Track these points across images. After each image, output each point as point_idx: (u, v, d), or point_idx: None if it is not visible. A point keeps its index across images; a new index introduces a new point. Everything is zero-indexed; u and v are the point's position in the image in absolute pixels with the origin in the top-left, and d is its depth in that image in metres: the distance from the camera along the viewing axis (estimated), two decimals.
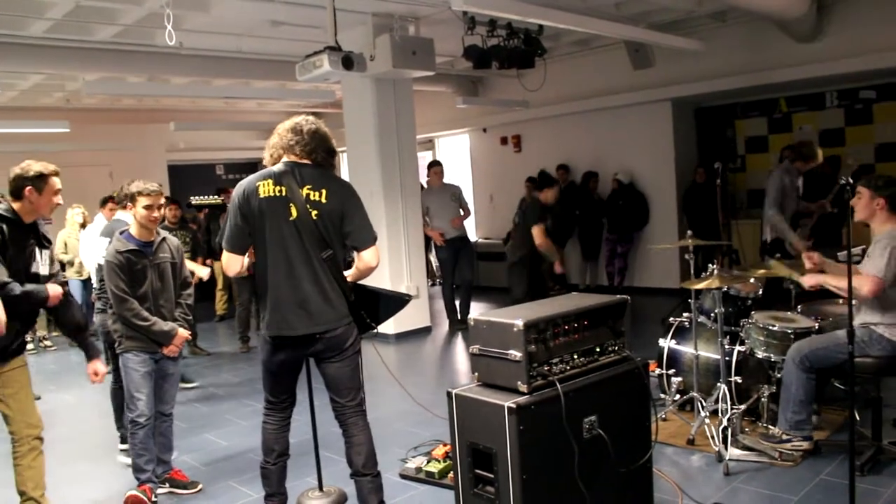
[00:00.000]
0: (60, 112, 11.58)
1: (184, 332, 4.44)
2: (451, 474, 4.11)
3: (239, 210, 3.48)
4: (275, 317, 3.49)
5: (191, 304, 4.61)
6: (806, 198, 6.93)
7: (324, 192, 3.47)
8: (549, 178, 7.75)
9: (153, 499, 4.28)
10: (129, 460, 4.56)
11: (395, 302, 4.03)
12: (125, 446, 5.11)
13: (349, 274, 3.64)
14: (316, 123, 3.58)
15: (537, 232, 6.88)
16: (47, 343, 9.68)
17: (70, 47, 8.08)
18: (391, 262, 8.59)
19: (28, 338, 9.02)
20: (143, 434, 4.28)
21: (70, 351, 9.06)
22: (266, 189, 3.45)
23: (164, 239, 4.42)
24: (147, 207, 4.22)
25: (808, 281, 4.35)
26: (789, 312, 5.13)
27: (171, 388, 4.52)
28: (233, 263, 3.56)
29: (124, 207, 5.06)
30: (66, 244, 9.04)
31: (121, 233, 4.34)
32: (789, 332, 4.67)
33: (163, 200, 4.37)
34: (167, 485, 4.52)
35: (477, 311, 9.37)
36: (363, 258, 3.57)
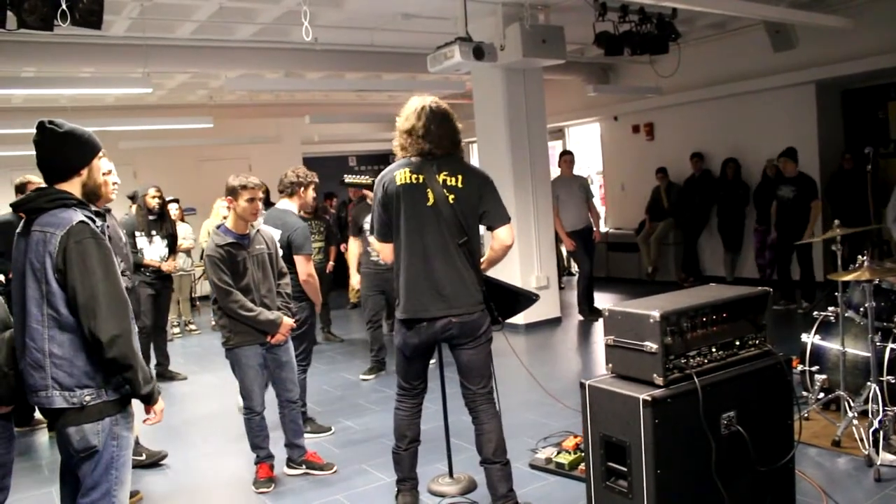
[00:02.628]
0: (204, 108, 12.21)
1: (289, 321, 4.52)
2: (581, 466, 4.08)
3: (380, 201, 3.62)
4: (410, 300, 3.57)
5: (290, 293, 4.68)
6: None
7: (460, 177, 3.54)
8: None
9: (272, 475, 4.54)
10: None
11: (523, 299, 4.02)
12: None
13: (485, 256, 3.68)
14: (438, 114, 3.60)
15: None
16: (192, 327, 10.24)
17: (213, 47, 8.51)
18: (521, 252, 8.58)
19: (175, 321, 9.64)
20: (257, 421, 4.47)
21: (214, 335, 9.54)
22: (403, 177, 3.55)
23: (258, 231, 4.50)
24: (250, 200, 4.30)
25: None
26: None
27: (290, 374, 4.62)
28: (386, 251, 3.71)
29: (290, 196, 5.23)
30: (209, 233, 9.53)
31: (217, 227, 4.45)
32: None
33: (262, 194, 4.43)
34: (304, 466, 4.69)
35: (610, 302, 9.23)
36: (498, 236, 3.61)
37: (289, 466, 4.72)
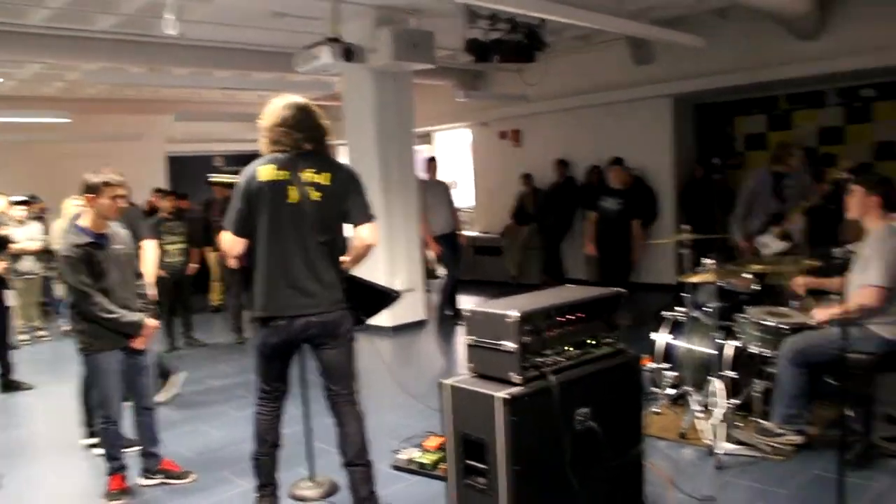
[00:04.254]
0: (61, 102, 11.58)
1: (152, 322, 4.37)
2: (443, 465, 4.13)
3: (242, 194, 3.53)
4: (268, 298, 3.51)
5: (147, 294, 4.52)
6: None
7: (327, 174, 3.52)
8: None
9: (126, 486, 4.35)
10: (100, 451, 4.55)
11: (386, 297, 4.04)
12: (91, 441, 5.16)
13: (348, 256, 3.66)
14: (307, 108, 3.58)
15: None
16: (42, 333, 9.66)
17: (70, 36, 8.06)
18: (387, 255, 8.59)
19: (22, 327, 9.07)
20: (114, 430, 4.29)
21: (64, 341, 9.05)
22: (268, 173, 3.48)
23: (115, 230, 4.31)
24: (114, 198, 4.13)
25: (819, 317, 4.32)
26: (784, 308, 5.14)
27: (147, 380, 4.47)
28: (235, 245, 3.61)
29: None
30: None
31: (72, 226, 4.20)
32: (783, 327, 4.67)
33: (125, 192, 4.25)
34: (161, 475, 4.53)
35: (475, 305, 9.39)
36: (360, 234, 3.60)
37: (144, 477, 4.53)
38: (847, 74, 8.91)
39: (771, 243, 6.16)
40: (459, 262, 9.41)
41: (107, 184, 4.11)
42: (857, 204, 4.18)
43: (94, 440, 5.15)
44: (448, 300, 9.23)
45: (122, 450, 4.39)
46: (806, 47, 8.83)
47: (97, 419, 4.37)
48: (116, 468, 4.35)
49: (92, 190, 4.11)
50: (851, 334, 4.01)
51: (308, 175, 3.49)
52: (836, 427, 4.07)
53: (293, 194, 3.47)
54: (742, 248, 6.54)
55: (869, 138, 9.39)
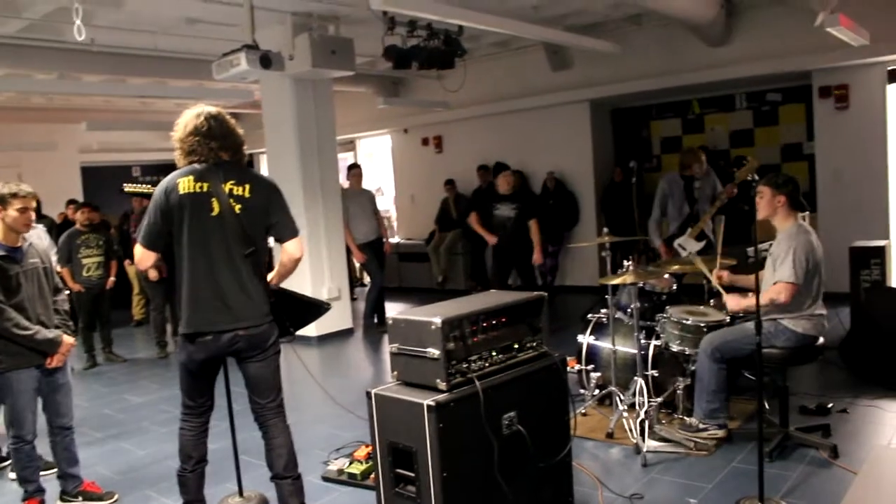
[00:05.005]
0: None
1: (69, 339, 4.22)
2: (372, 475, 4.10)
3: (159, 208, 3.43)
4: (194, 314, 3.42)
5: (66, 310, 4.38)
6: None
7: (247, 186, 3.45)
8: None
9: None
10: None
11: (314, 308, 4.00)
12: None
13: (275, 271, 3.62)
14: (220, 117, 3.51)
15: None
16: None
17: None
18: (312, 264, 8.51)
19: None
20: (27, 451, 4.11)
21: None
22: (187, 185, 3.40)
23: (30, 244, 4.16)
24: (21, 210, 3.97)
25: (731, 305, 4.43)
26: (702, 306, 5.30)
27: (66, 398, 4.30)
28: (146, 259, 3.54)
29: None
30: None
31: None
32: (702, 325, 4.81)
33: (34, 203, 4.11)
34: (80, 498, 4.35)
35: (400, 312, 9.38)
36: (287, 249, 3.56)
37: (62, 500, 4.34)
38: (754, 79, 9.26)
39: (687, 245, 6.34)
40: (383, 269, 9.38)
41: (14, 195, 3.95)
42: (766, 204, 4.33)
43: (4, 464, 4.97)
44: (374, 308, 9.19)
45: (39, 472, 4.22)
46: (716, 53, 9.15)
47: (8, 440, 4.18)
48: (32, 492, 4.17)
49: (2, 203, 3.96)
50: (766, 330, 4.17)
51: (229, 187, 3.42)
52: (755, 420, 4.20)
53: (216, 207, 3.39)
54: (660, 251, 6.71)
55: (776, 140, 9.76)
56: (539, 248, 7.95)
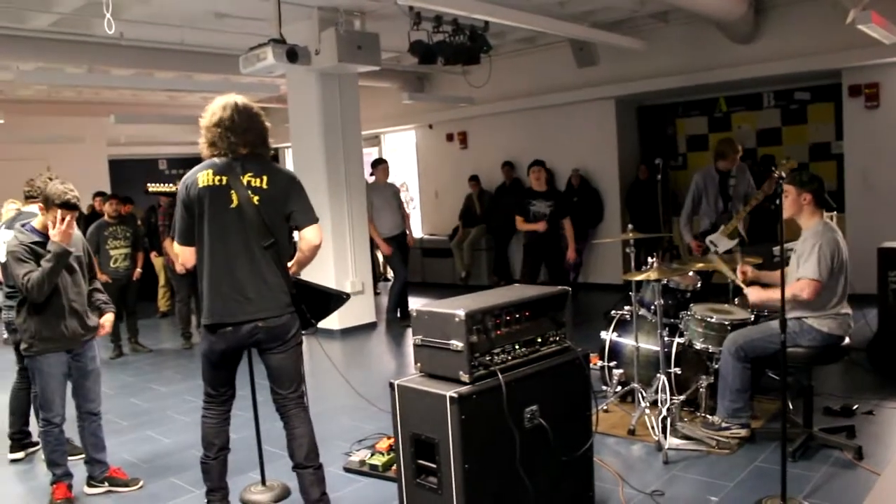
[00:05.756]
0: None
1: (110, 316, 4.41)
2: (394, 467, 4.13)
3: (182, 203, 3.49)
4: (214, 305, 3.47)
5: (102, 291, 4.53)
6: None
7: (265, 178, 3.48)
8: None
9: (71, 495, 4.25)
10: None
11: (334, 299, 4.01)
12: (17, 455, 5.05)
13: (294, 259, 3.65)
14: (245, 110, 3.53)
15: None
16: None
17: (3, 35, 7.84)
18: (336, 258, 8.55)
19: None
20: (56, 434, 4.19)
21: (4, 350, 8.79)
22: (206, 179, 3.44)
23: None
24: (53, 221, 3.99)
25: (752, 297, 4.41)
26: (727, 304, 5.26)
27: (94, 385, 4.39)
28: (188, 255, 3.59)
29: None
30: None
31: (23, 225, 4.17)
32: (726, 323, 4.79)
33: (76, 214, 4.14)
34: (106, 484, 4.43)
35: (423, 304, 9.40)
36: (305, 236, 3.58)
37: (89, 485, 4.42)
38: (782, 78, 9.17)
39: (720, 242, 6.28)
40: (407, 264, 9.41)
41: (57, 204, 3.98)
42: (791, 203, 4.30)
43: (19, 454, 5.06)
44: (397, 302, 9.22)
45: (67, 456, 4.29)
46: (743, 51, 9.06)
47: (39, 422, 4.26)
48: (60, 476, 4.24)
49: (46, 203, 4.03)
50: (791, 329, 4.14)
51: (247, 179, 3.46)
52: (778, 420, 4.17)
53: (234, 199, 3.43)
54: (692, 247, 6.64)
55: (804, 139, 9.66)
56: (573, 246, 8.06)
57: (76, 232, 4.31)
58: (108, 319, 4.42)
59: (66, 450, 4.30)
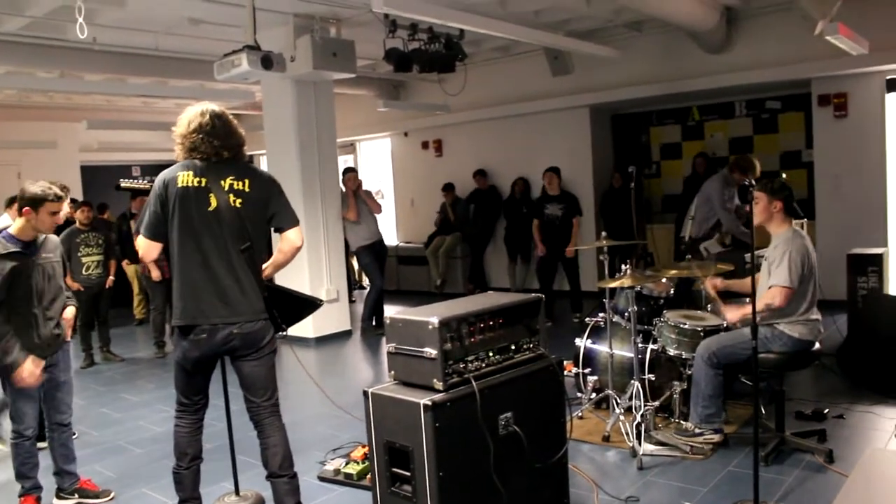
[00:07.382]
0: None
1: (72, 310, 4.35)
2: (369, 475, 4.11)
3: (158, 197, 3.46)
4: (188, 306, 3.43)
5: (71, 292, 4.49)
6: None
7: (247, 181, 3.48)
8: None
9: None
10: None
11: (307, 305, 3.99)
12: None
13: (271, 260, 3.65)
14: (223, 116, 3.53)
15: None
16: None
17: None
18: (311, 265, 8.52)
19: None
20: (27, 446, 4.12)
21: None
22: (185, 179, 3.42)
23: (45, 237, 4.16)
24: (53, 214, 4.00)
25: (731, 318, 4.47)
26: (699, 311, 5.31)
27: (66, 396, 4.33)
28: (150, 250, 3.54)
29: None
30: None
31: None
32: (699, 329, 4.83)
33: (64, 205, 4.16)
34: (76, 496, 4.36)
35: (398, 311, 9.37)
36: (287, 238, 3.59)
37: (59, 497, 4.36)
38: (754, 87, 9.29)
39: (713, 249, 6.40)
40: (384, 272, 9.39)
41: (48, 199, 3.95)
42: (762, 210, 4.36)
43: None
44: (373, 310, 9.19)
45: (37, 469, 4.21)
46: (716, 61, 9.17)
47: (10, 434, 4.19)
48: (29, 488, 4.17)
49: (30, 203, 3.94)
50: (762, 335, 4.19)
51: (229, 182, 3.45)
52: (751, 425, 4.21)
53: (213, 202, 3.41)
54: (689, 246, 6.73)
55: (776, 148, 9.78)
56: (574, 241, 8.58)
57: (52, 237, 4.27)
58: (69, 312, 4.33)
59: (37, 463, 4.22)
